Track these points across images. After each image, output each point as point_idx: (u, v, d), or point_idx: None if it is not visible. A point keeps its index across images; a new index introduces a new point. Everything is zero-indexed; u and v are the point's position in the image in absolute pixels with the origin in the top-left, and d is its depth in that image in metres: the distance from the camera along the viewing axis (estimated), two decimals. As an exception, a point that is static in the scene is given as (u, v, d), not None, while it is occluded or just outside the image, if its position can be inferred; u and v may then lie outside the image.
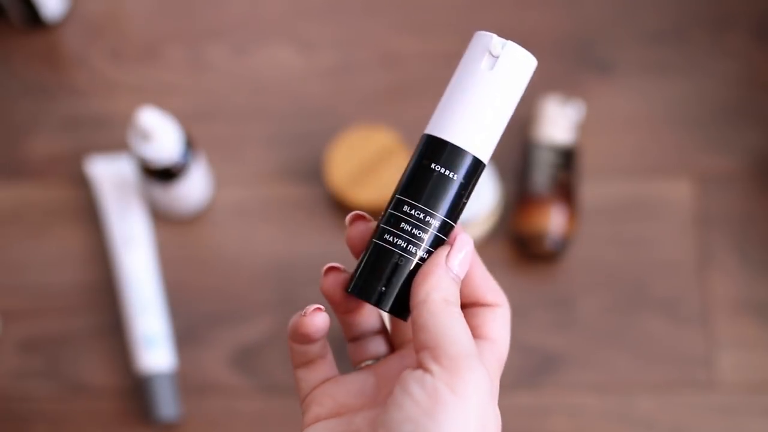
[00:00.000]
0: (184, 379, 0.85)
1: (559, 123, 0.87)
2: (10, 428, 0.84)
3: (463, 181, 0.44)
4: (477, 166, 0.45)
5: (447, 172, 0.44)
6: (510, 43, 0.45)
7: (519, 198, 0.87)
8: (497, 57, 0.45)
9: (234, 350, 0.86)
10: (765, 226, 0.88)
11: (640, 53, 0.94)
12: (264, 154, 0.91)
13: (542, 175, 0.86)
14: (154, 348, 0.83)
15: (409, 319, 0.45)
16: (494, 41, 0.45)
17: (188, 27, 0.96)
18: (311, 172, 0.90)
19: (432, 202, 0.44)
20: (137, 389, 0.84)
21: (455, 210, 0.45)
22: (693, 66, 0.93)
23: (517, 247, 0.87)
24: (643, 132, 0.91)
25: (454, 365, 0.41)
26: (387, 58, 0.94)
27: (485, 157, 0.45)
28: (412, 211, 0.44)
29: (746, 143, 0.91)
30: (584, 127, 0.90)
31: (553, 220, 0.85)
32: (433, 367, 0.41)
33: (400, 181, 0.45)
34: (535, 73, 0.46)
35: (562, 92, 0.89)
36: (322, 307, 0.46)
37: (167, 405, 0.82)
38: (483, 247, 0.87)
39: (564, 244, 0.86)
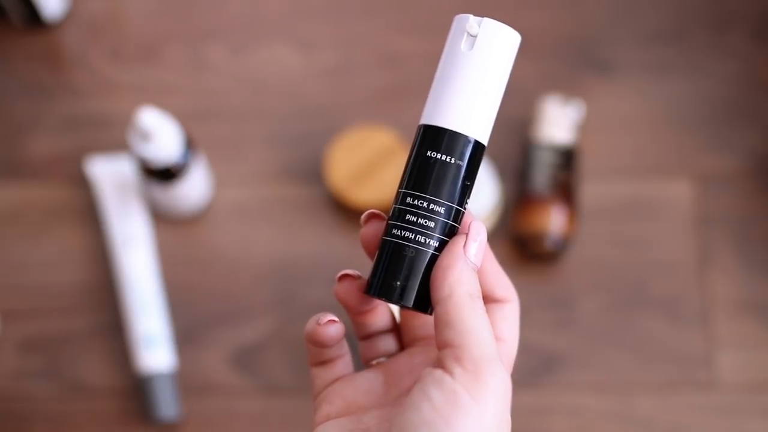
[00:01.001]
0: (184, 379, 0.85)
1: (559, 123, 0.87)
2: (10, 428, 0.84)
3: (462, 164, 0.44)
4: (474, 147, 0.44)
5: (444, 158, 0.44)
6: (486, 20, 0.44)
7: (519, 198, 0.87)
8: (475, 36, 0.44)
9: (234, 350, 0.86)
10: (765, 226, 0.88)
11: (640, 53, 0.94)
12: (264, 154, 0.91)
13: (542, 175, 0.86)
14: (154, 348, 0.83)
15: (421, 315, 0.45)
16: (471, 21, 0.44)
17: (188, 27, 0.96)
18: (311, 172, 0.90)
19: (434, 190, 0.44)
20: (137, 389, 0.84)
21: (460, 195, 0.44)
22: (693, 66, 0.93)
23: (517, 247, 0.87)
24: (643, 132, 0.91)
25: (476, 368, 0.40)
26: (387, 58, 0.94)
27: (482, 137, 0.45)
28: (416, 202, 0.44)
29: (746, 143, 0.91)
30: (584, 127, 0.90)
31: (553, 220, 0.85)
32: (455, 369, 0.41)
33: (402, 175, 0.45)
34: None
35: (562, 92, 0.89)
36: (335, 318, 0.46)
37: (167, 405, 0.82)
38: (483, 247, 0.87)
39: (564, 244, 0.86)
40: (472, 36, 0.44)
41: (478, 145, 0.44)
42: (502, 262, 0.86)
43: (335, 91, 0.93)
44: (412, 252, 0.44)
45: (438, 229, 0.44)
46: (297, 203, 0.90)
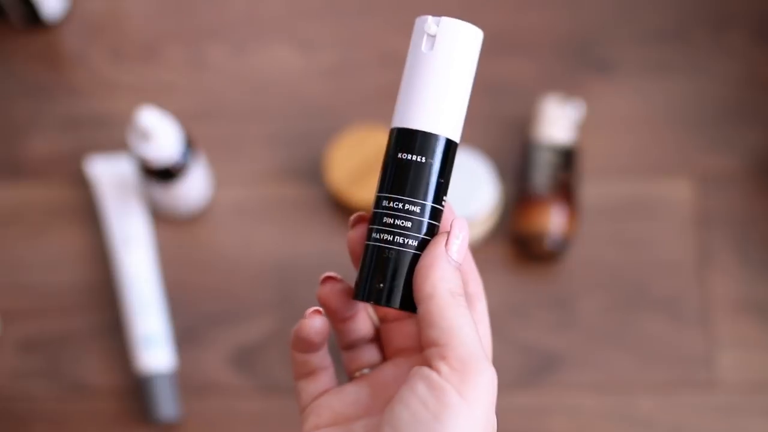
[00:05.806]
0: (184, 379, 0.85)
1: (559, 123, 0.87)
2: (10, 428, 0.84)
3: (433, 162, 0.45)
4: (444, 145, 0.45)
5: (415, 158, 0.45)
6: (445, 19, 0.45)
7: (519, 198, 0.87)
8: (435, 36, 0.45)
9: (234, 350, 0.86)
10: (765, 226, 0.88)
11: (640, 53, 0.94)
12: (264, 154, 0.91)
13: (542, 175, 0.86)
14: (154, 348, 0.83)
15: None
16: (429, 21, 0.45)
17: (188, 26, 0.96)
18: (311, 172, 0.90)
19: (408, 191, 0.45)
20: (137, 389, 0.84)
21: (435, 193, 0.45)
22: (693, 66, 0.93)
23: (517, 247, 0.87)
24: (643, 132, 0.91)
25: (463, 367, 0.41)
26: (386, 57, 0.94)
27: (451, 134, 0.45)
28: (391, 204, 0.45)
29: (746, 143, 0.91)
30: (584, 127, 0.90)
31: (553, 220, 0.85)
32: (442, 367, 0.41)
33: (378, 179, 0.46)
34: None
35: (562, 92, 0.89)
36: (321, 309, 0.46)
37: (167, 405, 0.82)
38: (483, 247, 0.87)
39: (564, 244, 0.86)
40: (431, 36, 0.45)
41: (448, 142, 0.45)
42: (502, 262, 0.87)
43: (335, 91, 0.93)
44: (392, 254, 0.44)
45: (416, 229, 0.44)
46: (297, 203, 0.90)
